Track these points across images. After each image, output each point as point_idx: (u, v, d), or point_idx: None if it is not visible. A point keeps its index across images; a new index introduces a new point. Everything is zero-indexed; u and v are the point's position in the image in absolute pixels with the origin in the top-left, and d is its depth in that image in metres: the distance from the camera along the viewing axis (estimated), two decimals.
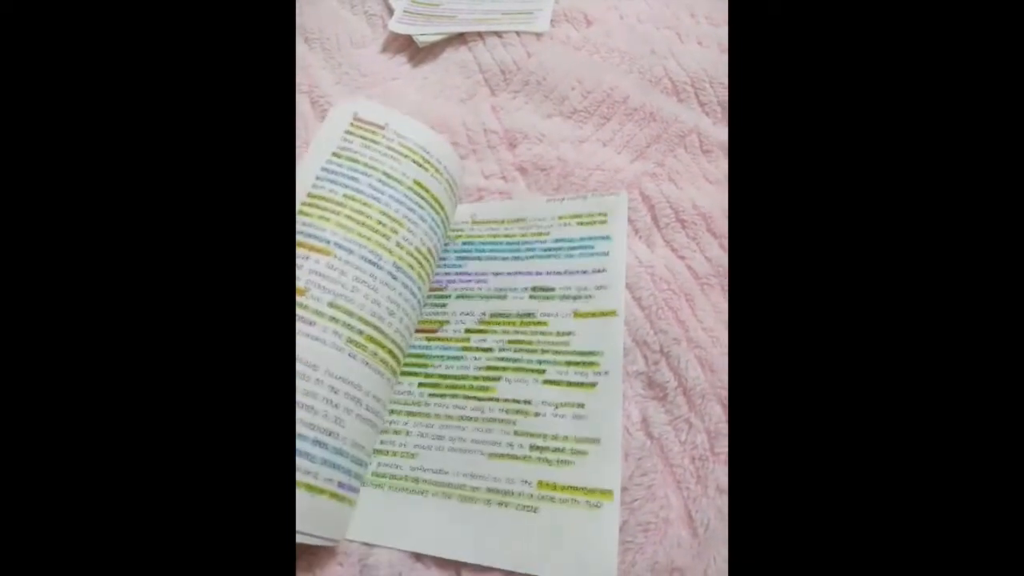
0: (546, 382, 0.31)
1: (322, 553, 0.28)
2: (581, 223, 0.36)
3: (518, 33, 0.46)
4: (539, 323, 0.33)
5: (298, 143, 0.43)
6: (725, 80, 0.41)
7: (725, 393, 0.30)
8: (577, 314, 0.32)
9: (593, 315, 0.32)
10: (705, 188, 0.37)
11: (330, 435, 0.27)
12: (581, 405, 0.30)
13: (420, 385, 0.32)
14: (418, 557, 0.28)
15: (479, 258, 0.36)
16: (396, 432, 0.31)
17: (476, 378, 0.32)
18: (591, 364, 0.31)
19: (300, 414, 0.26)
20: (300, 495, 0.25)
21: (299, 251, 0.28)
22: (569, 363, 0.31)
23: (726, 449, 0.29)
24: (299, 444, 0.26)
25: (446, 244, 0.37)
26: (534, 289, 0.34)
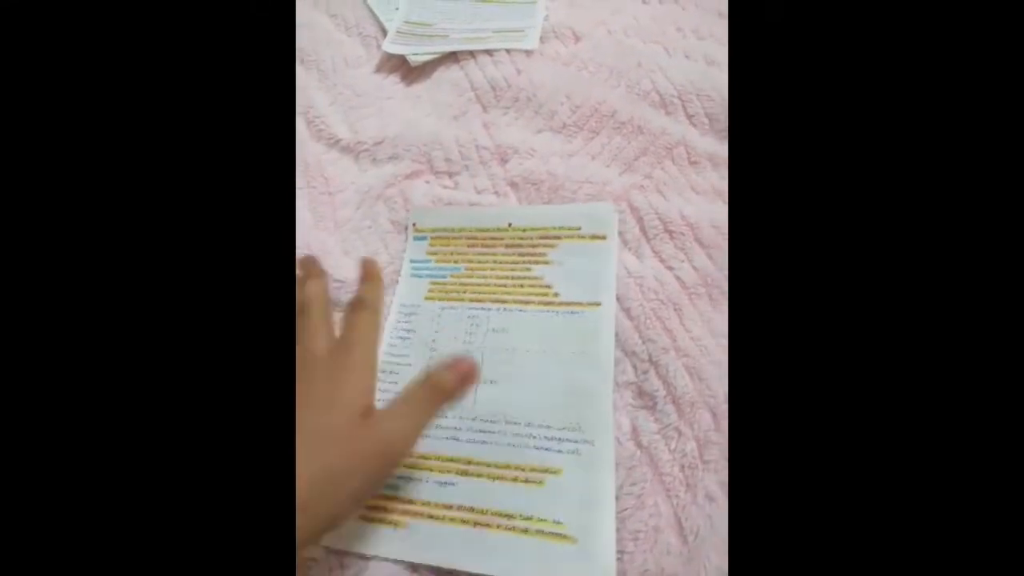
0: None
1: (318, 569, 0.29)
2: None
3: (508, 51, 0.47)
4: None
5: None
6: (711, 92, 0.41)
7: (714, 401, 0.31)
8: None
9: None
10: (693, 199, 0.38)
11: None
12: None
13: None
14: (414, 568, 0.28)
15: None
16: None
17: None
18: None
19: None
20: None
21: None
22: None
23: (715, 457, 0.30)
24: None
25: None
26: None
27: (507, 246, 0.37)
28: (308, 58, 0.51)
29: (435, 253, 0.38)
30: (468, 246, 0.38)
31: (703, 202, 0.37)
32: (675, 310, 0.34)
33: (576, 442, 0.30)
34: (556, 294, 0.35)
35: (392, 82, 0.48)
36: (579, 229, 0.37)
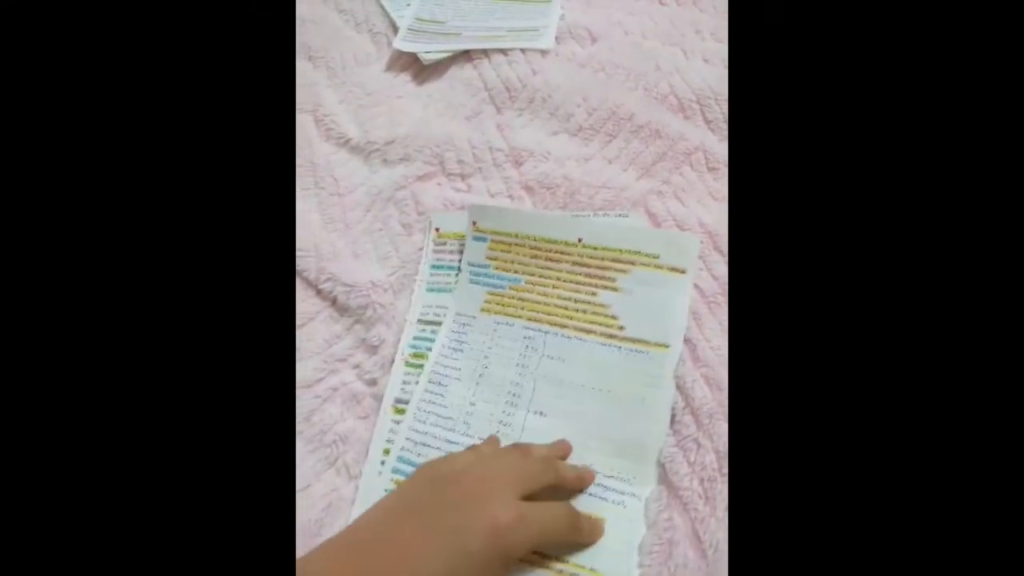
0: None
1: None
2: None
3: (523, 50, 0.46)
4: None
5: (300, 162, 0.43)
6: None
7: None
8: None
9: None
10: (711, 206, 0.37)
11: None
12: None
13: None
14: None
15: None
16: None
17: None
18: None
19: None
20: None
21: None
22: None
23: None
24: None
25: None
26: None
27: (574, 263, 0.34)
28: (316, 55, 0.50)
29: (495, 259, 0.35)
30: (531, 256, 0.35)
31: (722, 209, 0.37)
32: (694, 319, 0.33)
33: (623, 494, 0.29)
34: (621, 327, 0.32)
35: (403, 81, 0.48)
36: (657, 257, 0.33)
